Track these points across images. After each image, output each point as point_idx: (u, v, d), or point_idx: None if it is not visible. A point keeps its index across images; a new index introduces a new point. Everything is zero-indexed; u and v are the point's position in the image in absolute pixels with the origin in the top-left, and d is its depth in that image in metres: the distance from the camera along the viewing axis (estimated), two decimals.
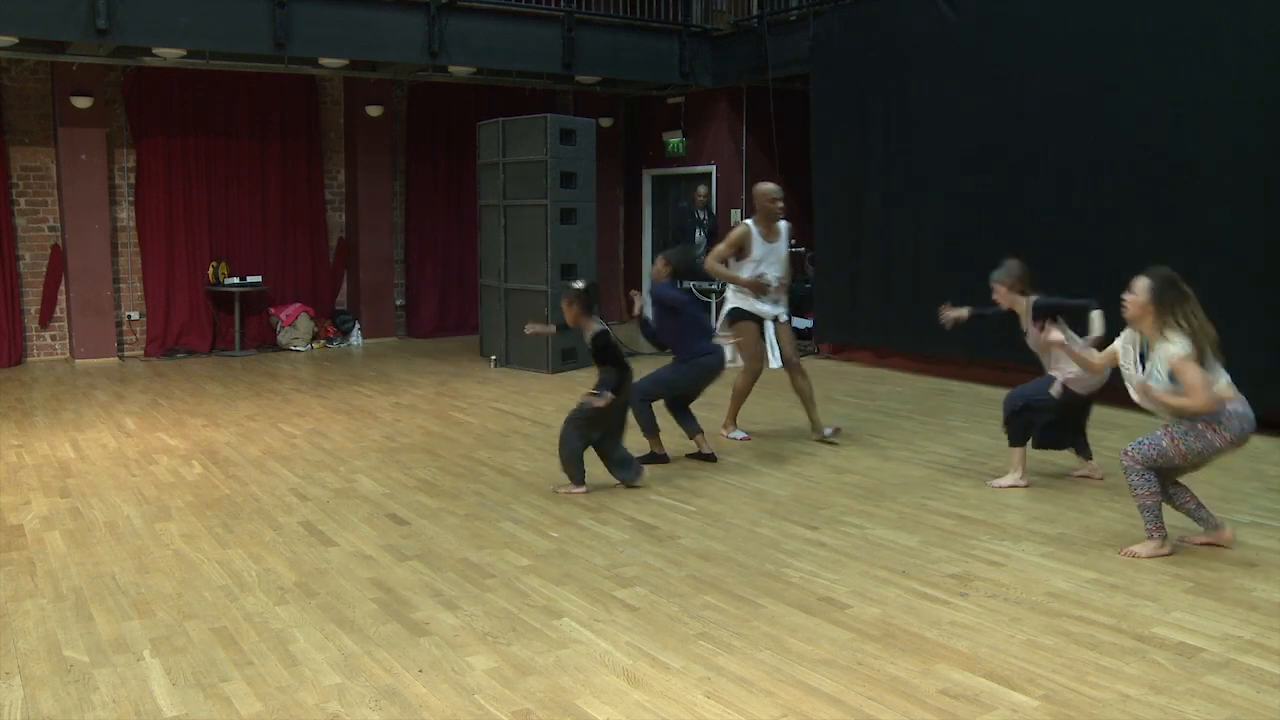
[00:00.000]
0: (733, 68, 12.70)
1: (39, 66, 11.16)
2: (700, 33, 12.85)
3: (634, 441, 6.37)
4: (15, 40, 9.70)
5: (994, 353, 9.31)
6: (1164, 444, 4.84)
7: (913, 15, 10.00)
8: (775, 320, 7.30)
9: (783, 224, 7.35)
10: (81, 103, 11.06)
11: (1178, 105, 7.80)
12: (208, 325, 12.19)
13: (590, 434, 5.93)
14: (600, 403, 5.79)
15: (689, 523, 5.46)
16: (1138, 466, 4.90)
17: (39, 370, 10.94)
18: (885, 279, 10.43)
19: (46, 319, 11.54)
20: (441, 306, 13.65)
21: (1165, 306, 4.73)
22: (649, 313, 6.84)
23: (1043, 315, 5.84)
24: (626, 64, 12.41)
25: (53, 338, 11.62)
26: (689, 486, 6.17)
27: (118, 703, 3.47)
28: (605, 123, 14.06)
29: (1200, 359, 4.65)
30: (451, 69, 11.73)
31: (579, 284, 6.12)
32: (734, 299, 7.34)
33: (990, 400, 8.67)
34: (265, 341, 12.47)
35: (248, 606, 4.32)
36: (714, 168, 13.61)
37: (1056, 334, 5.51)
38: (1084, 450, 6.27)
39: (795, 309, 12.42)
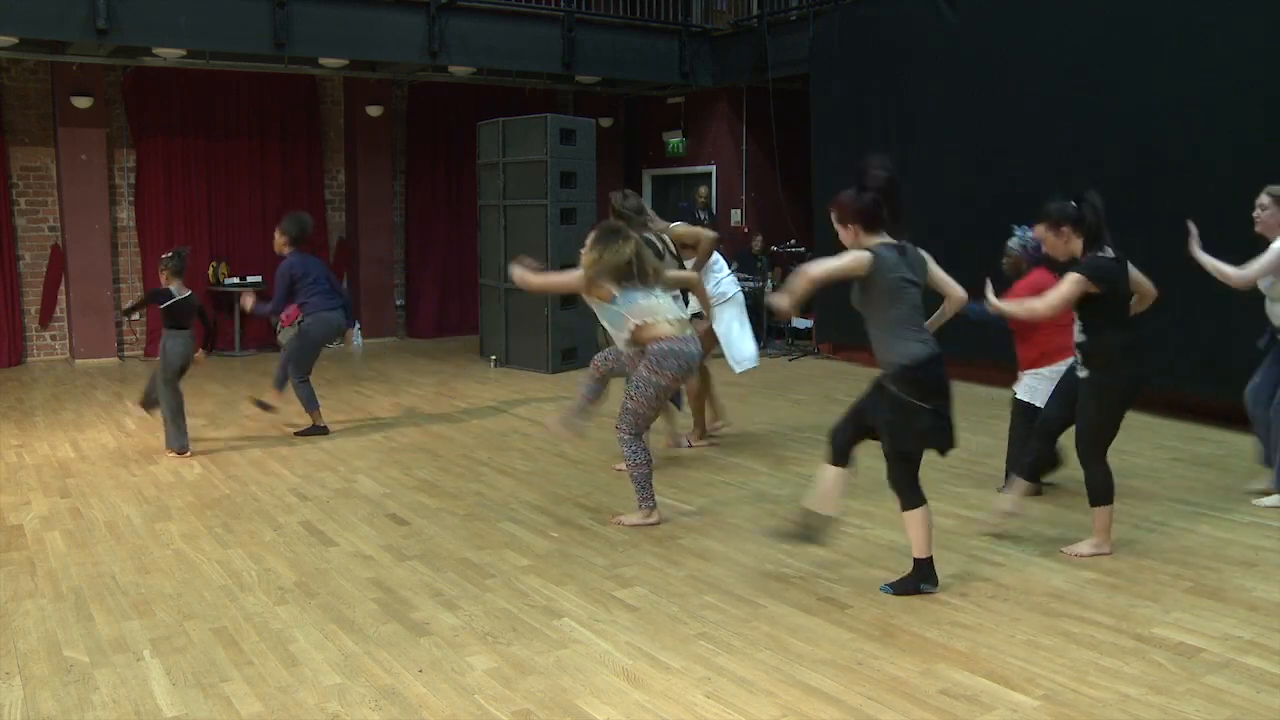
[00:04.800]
0: (733, 68, 12.70)
1: (39, 66, 11.15)
2: (700, 33, 12.85)
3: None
4: (15, 40, 9.70)
5: (994, 353, 9.30)
6: (629, 405, 5.29)
7: (913, 15, 9.99)
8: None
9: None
10: (81, 103, 11.06)
11: (1178, 104, 7.80)
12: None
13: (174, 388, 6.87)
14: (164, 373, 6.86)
15: (689, 523, 5.46)
16: (628, 436, 5.29)
17: (39, 370, 10.94)
18: None
19: (46, 319, 11.54)
20: (441, 306, 13.64)
21: (601, 246, 5.22)
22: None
23: None
24: (626, 64, 12.41)
25: (53, 338, 11.62)
26: (689, 486, 6.17)
27: (118, 703, 3.47)
28: (605, 123, 14.06)
29: (626, 275, 5.16)
30: (451, 69, 11.73)
31: (168, 253, 6.95)
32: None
33: (991, 400, 8.67)
34: (265, 341, 12.45)
35: (248, 606, 4.32)
36: (714, 168, 13.61)
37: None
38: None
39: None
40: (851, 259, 4.18)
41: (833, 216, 4.30)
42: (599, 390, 5.83)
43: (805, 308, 12.18)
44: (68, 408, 8.78)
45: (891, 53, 10.20)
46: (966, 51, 9.43)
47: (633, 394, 5.29)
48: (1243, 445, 6.68)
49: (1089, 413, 4.79)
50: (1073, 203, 4.76)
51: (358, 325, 8.20)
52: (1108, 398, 4.73)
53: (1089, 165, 8.44)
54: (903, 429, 4.24)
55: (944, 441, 4.31)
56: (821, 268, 4.23)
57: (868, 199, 4.19)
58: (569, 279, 5.47)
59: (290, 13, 10.09)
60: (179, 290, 6.75)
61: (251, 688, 3.57)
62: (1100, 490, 4.81)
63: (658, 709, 3.40)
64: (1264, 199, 5.58)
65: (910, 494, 4.35)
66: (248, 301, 7.46)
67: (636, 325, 5.22)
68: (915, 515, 4.34)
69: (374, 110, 12.75)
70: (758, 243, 12.68)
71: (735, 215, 13.41)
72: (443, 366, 11.10)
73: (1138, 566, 4.71)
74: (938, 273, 4.48)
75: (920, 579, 4.36)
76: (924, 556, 4.36)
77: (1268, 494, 5.63)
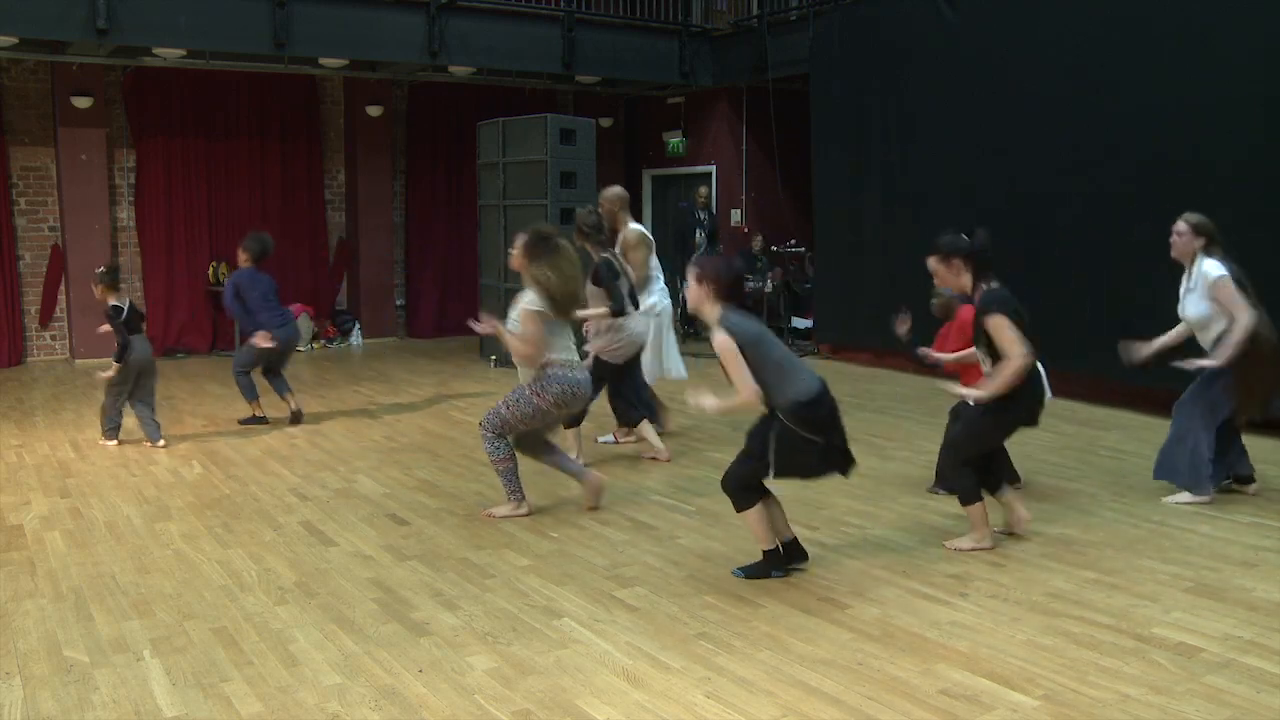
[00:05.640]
0: (733, 68, 12.70)
1: (39, 66, 11.16)
2: (700, 33, 12.86)
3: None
4: (15, 40, 9.70)
5: None
6: (503, 411, 5.40)
7: (913, 15, 9.99)
8: None
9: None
10: (81, 103, 11.06)
11: (1178, 104, 7.80)
12: (208, 325, 12.18)
13: (121, 393, 7.17)
14: (108, 373, 7.13)
15: (689, 523, 5.46)
16: (490, 434, 5.44)
17: (39, 370, 10.94)
18: (885, 279, 10.42)
19: (46, 319, 11.54)
20: (441, 307, 13.64)
21: (532, 258, 5.26)
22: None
23: None
24: (626, 64, 12.41)
25: (53, 338, 11.62)
26: (689, 486, 6.17)
27: (118, 703, 3.47)
28: (605, 123, 14.06)
29: (552, 310, 5.24)
30: (451, 69, 11.73)
31: (102, 268, 7.27)
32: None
33: None
34: None
35: (248, 606, 4.32)
36: (714, 168, 13.61)
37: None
38: (652, 416, 6.93)
39: (795, 309, 12.49)
40: (735, 375, 4.33)
41: (693, 274, 4.49)
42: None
43: (805, 308, 12.21)
44: (68, 408, 8.78)
45: (891, 53, 10.20)
46: (966, 51, 9.43)
47: (510, 403, 5.38)
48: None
49: (979, 428, 4.90)
50: (964, 236, 4.89)
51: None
52: (1001, 420, 4.88)
53: (1089, 165, 8.45)
54: (788, 459, 4.38)
55: (831, 471, 4.51)
56: (716, 405, 4.39)
57: (733, 275, 4.45)
58: (530, 344, 5.30)
59: (290, 13, 10.09)
60: (121, 300, 7.13)
61: (251, 688, 3.57)
62: (968, 491, 4.92)
63: (658, 709, 3.40)
64: (1181, 226, 5.65)
65: (744, 496, 4.52)
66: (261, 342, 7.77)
67: (524, 342, 5.30)
68: (751, 515, 4.52)
69: (374, 110, 12.76)
70: (758, 243, 12.68)
71: (735, 215, 13.41)
72: (443, 366, 11.09)
73: (1137, 566, 4.70)
74: None
75: (771, 566, 4.58)
76: (769, 548, 4.57)
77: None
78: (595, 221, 6.70)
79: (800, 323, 12.20)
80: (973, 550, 4.90)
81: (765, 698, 3.47)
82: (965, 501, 4.94)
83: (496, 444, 5.46)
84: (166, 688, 3.58)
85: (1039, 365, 4.94)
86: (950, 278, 4.94)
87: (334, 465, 6.77)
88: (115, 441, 7.29)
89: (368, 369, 11.02)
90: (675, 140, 14.12)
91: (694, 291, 4.45)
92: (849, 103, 10.73)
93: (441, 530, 5.36)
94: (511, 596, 4.41)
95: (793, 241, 12.49)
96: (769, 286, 12.03)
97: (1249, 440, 5.87)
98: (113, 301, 7.11)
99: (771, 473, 4.41)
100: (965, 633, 3.99)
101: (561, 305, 5.28)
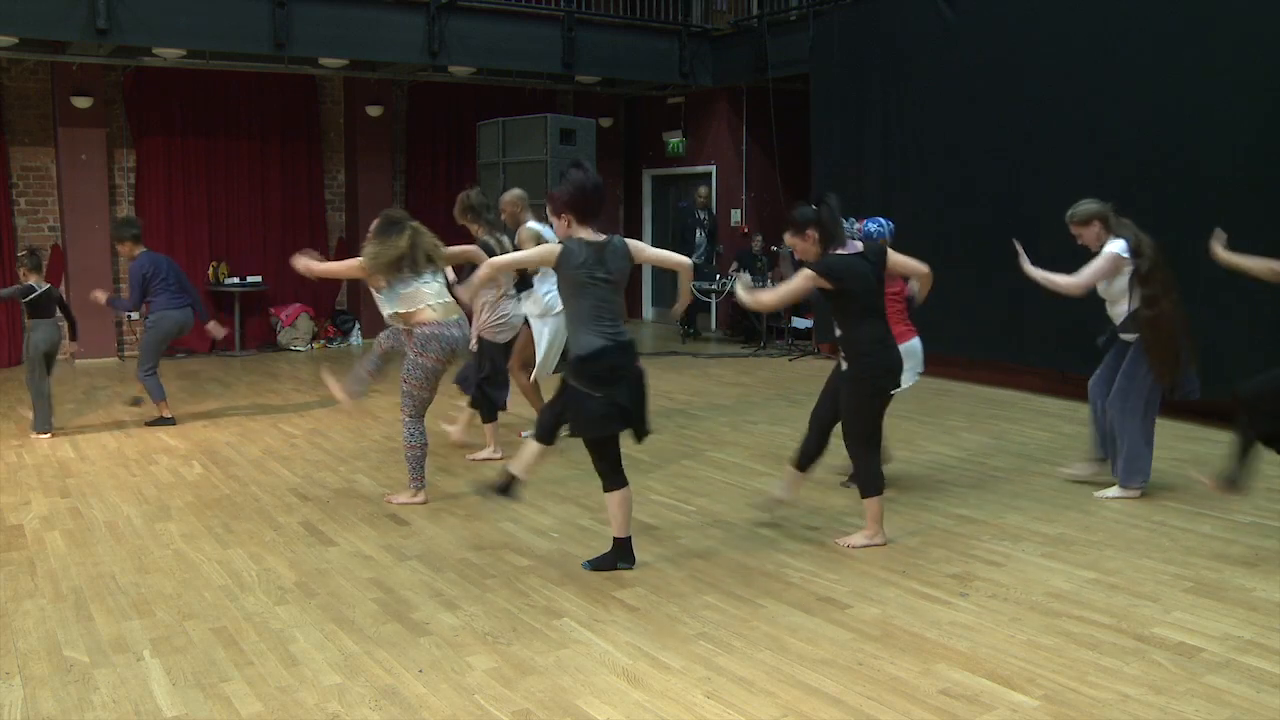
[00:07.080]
0: (733, 68, 12.70)
1: (39, 66, 11.16)
2: (700, 33, 12.85)
3: None
4: (15, 40, 9.70)
5: (995, 354, 9.31)
6: (404, 388, 5.64)
7: (912, 15, 9.99)
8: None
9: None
10: (81, 103, 11.07)
11: (1178, 105, 7.80)
12: None
13: (41, 380, 7.43)
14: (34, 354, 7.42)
15: (689, 523, 5.46)
16: (407, 418, 5.68)
17: None
18: None
19: None
20: None
21: (375, 238, 5.59)
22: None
23: None
24: (626, 64, 12.41)
25: None
26: (689, 486, 6.17)
27: (118, 703, 3.47)
28: (605, 123, 14.06)
29: (397, 268, 5.53)
30: (451, 69, 11.73)
31: (23, 251, 7.57)
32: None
33: (990, 400, 8.69)
34: (265, 341, 12.47)
35: (248, 606, 4.32)
36: (714, 168, 13.61)
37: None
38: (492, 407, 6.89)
39: (795, 309, 12.49)
40: (536, 252, 4.62)
41: (548, 210, 4.61)
42: (380, 365, 6.11)
43: (805, 308, 12.21)
44: (68, 408, 8.76)
45: (891, 53, 10.20)
46: (966, 51, 9.43)
47: (405, 377, 5.64)
48: None
49: (847, 405, 4.94)
50: (812, 206, 4.87)
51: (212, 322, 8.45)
52: (861, 389, 4.89)
53: (1088, 165, 8.44)
54: (575, 415, 4.48)
55: (618, 426, 4.51)
56: (505, 259, 4.74)
57: (588, 189, 4.50)
58: (349, 266, 5.75)
59: (290, 13, 10.09)
60: (39, 284, 7.38)
61: (251, 688, 3.57)
62: (867, 482, 4.94)
63: (658, 709, 3.40)
64: (1072, 228, 5.86)
65: (608, 477, 4.58)
66: (100, 296, 8.03)
67: (397, 313, 5.60)
68: (614, 497, 4.60)
69: (374, 110, 12.76)
70: (758, 243, 12.69)
71: (735, 215, 13.41)
72: None
73: (1138, 566, 4.71)
74: (653, 254, 4.84)
75: (618, 558, 4.67)
76: (622, 536, 4.66)
77: (1106, 486, 5.83)
78: (482, 201, 6.82)
79: (800, 323, 12.20)
80: (866, 547, 4.95)
81: (765, 698, 3.47)
82: (864, 494, 4.98)
83: (413, 428, 5.70)
84: (166, 688, 3.58)
85: (881, 337, 4.87)
86: (810, 249, 4.87)
87: (334, 465, 6.77)
88: (49, 434, 7.53)
89: None
90: (675, 140, 14.13)
91: (557, 226, 4.57)
92: (849, 103, 10.73)
93: (441, 530, 5.36)
94: (511, 596, 4.41)
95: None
96: (768, 286, 12.03)
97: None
98: (30, 281, 7.39)
99: (566, 427, 4.54)
100: (965, 633, 3.99)
101: (391, 268, 5.53)
